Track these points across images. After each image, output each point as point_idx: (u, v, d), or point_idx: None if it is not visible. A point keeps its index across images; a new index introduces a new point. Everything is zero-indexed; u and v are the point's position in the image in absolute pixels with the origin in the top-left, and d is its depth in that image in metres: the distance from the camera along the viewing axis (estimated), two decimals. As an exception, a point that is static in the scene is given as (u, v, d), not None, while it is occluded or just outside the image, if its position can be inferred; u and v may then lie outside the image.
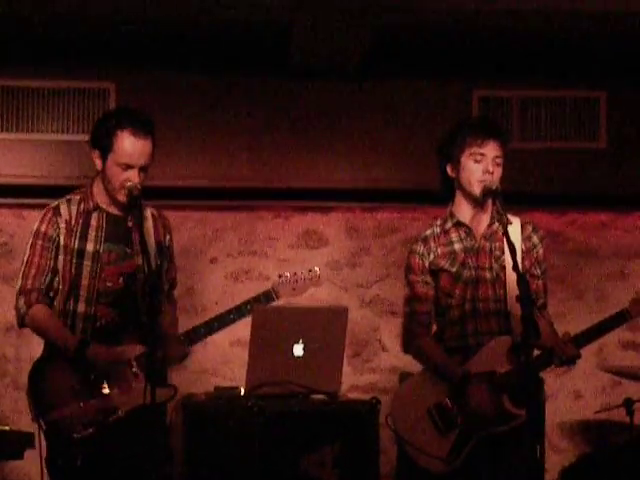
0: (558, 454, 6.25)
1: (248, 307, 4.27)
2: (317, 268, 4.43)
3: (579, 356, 4.14)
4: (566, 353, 4.09)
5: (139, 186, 4.15)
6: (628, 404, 5.42)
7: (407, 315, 4.37)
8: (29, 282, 4.21)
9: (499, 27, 5.63)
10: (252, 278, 6.40)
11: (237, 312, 4.28)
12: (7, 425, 5.07)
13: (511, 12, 5.41)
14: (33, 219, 6.22)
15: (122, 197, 4.19)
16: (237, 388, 4.45)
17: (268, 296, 4.32)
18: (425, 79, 6.26)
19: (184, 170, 6.16)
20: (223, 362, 6.23)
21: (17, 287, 4.25)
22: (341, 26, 5.44)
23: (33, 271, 4.21)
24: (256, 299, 4.31)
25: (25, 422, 5.82)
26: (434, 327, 4.39)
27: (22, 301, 4.21)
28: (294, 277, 4.36)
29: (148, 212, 4.36)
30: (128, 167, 4.16)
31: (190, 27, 5.66)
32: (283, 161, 6.24)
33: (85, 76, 6.11)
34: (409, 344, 4.36)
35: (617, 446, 5.68)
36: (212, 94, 6.21)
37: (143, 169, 4.19)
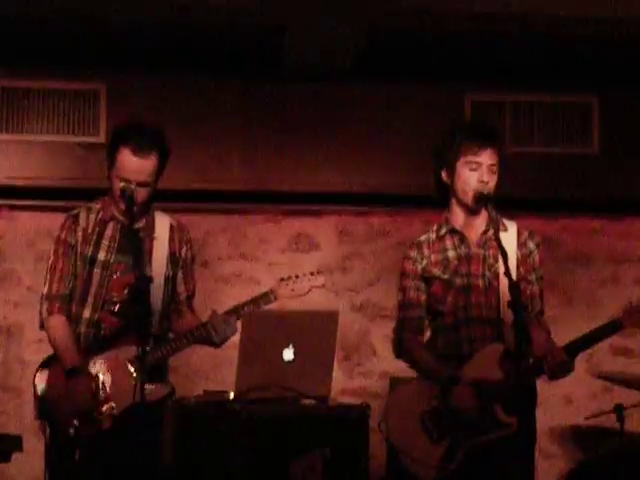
0: (548, 459, 6.25)
1: (245, 308, 4.35)
2: (321, 275, 4.52)
3: (572, 368, 4.09)
4: (556, 360, 4.04)
5: (132, 186, 4.25)
6: (619, 410, 5.40)
7: (399, 321, 4.35)
8: (54, 287, 4.36)
9: (492, 31, 5.63)
10: (243, 282, 6.38)
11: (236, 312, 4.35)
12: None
13: (504, 16, 5.41)
14: (23, 220, 6.29)
15: (122, 204, 4.30)
16: (226, 392, 4.42)
17: (267, 297, 4.41)
18: (418, 83, 6.25)
19: (174, 173, 6.09)
20: (213, 366, 6.19)
21: (43, 292, 4.38)
22: (335, 28, 5.43)
23: (57, 276, 4.37)
24: (254, 300, 4.39)
25: (14, 425, 5.82)
26: (428, 333, 4.37)
27: (45, 307, 4.36)
28: (296, 279, 4.47)
29: (167, 221, 4.51)
30: (127, 182, 4.28)
31: (182, 29, 5.64)
32: (275, 164, 6.22)
33: (76, 77, 6.08)
34: (400, 350, 4.34)
35: (611, 453, 5.64)
36: (204, 95, 6.19)
37: (144, 185, 4.29)
